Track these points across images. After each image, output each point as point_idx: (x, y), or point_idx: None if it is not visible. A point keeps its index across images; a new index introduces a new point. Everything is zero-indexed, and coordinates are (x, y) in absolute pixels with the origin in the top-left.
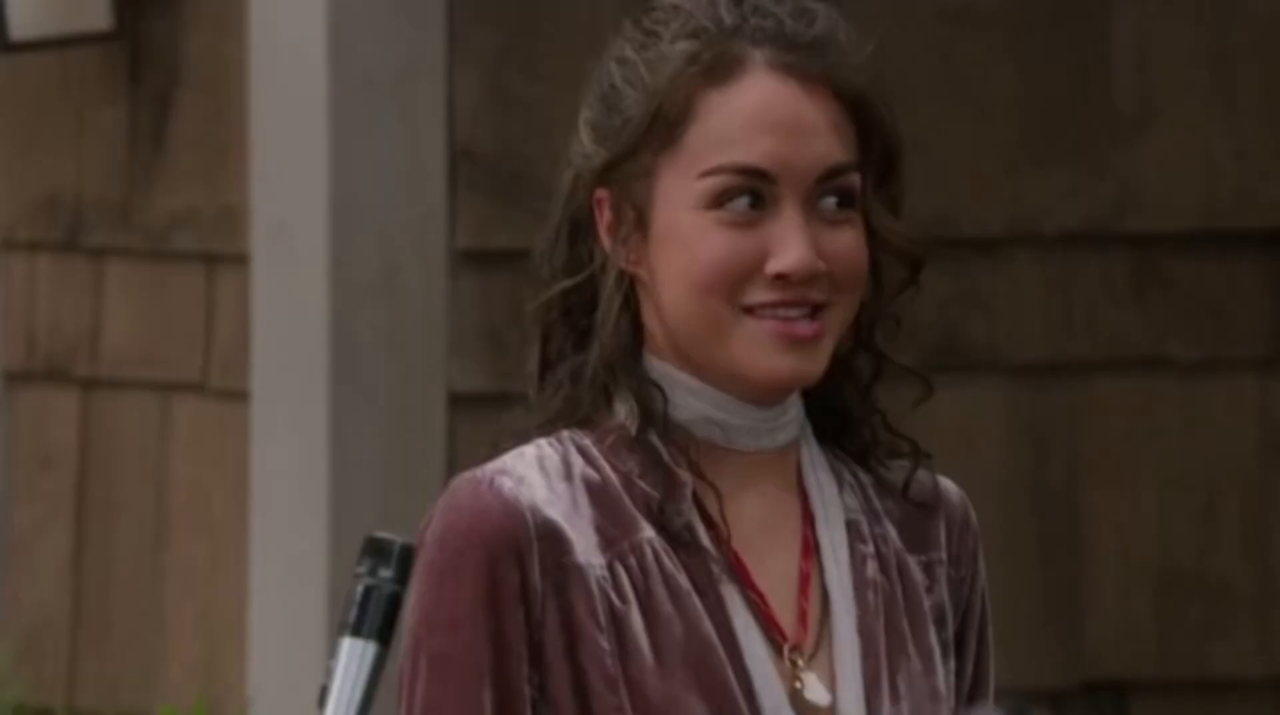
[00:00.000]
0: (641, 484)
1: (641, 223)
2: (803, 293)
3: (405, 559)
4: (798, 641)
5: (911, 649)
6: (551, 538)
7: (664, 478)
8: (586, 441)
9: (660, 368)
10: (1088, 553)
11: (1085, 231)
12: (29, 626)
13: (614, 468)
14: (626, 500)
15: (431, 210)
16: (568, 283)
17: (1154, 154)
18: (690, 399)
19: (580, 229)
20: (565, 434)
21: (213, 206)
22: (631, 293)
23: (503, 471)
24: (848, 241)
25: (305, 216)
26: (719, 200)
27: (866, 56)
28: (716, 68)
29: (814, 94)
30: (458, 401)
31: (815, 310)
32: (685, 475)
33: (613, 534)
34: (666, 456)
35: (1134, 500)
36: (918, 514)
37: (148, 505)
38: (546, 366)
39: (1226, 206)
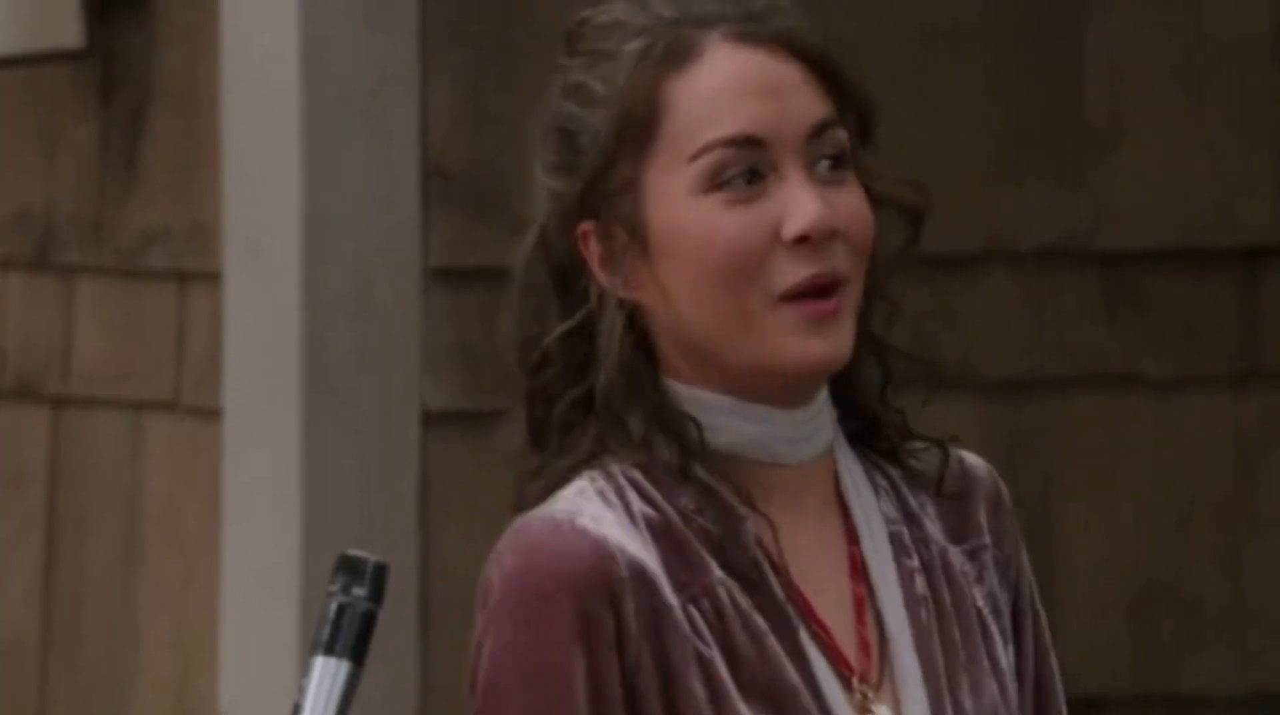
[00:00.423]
0: (700, 520)
1: (637, 238)
2: (827, 261)
3: (379, 577)
4: (864, 673)
5: (968, 658)
6: (642, 578)
7: (722, 514)
8: (636, 474)
9: (685, 392)
10: (1061, 569)
11: (1059, 248)
12: (0, 643)
13: (669, 502)
14: (691, 539)
15: (405, 226)
16: (564, 327)
17: (1128, 171)
18: (723, 419)
19: (568, 278)
20: (615, 468)
21: (185, 223)
22: (637, 320)
23: (577, 511)
24: (852, 199)
25: (278, 233)
26: (716, 179)
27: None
28: (674, 54)
29: (778, 56)
30: (430, 418)
31: (836, 286)
32: (743, 510)
33: (683, 576)
34: (718, 488)
35: (1107, 517)
36: (954, 501)
37: (120, 522)
38: (545, 429)
39: (1200, 223)
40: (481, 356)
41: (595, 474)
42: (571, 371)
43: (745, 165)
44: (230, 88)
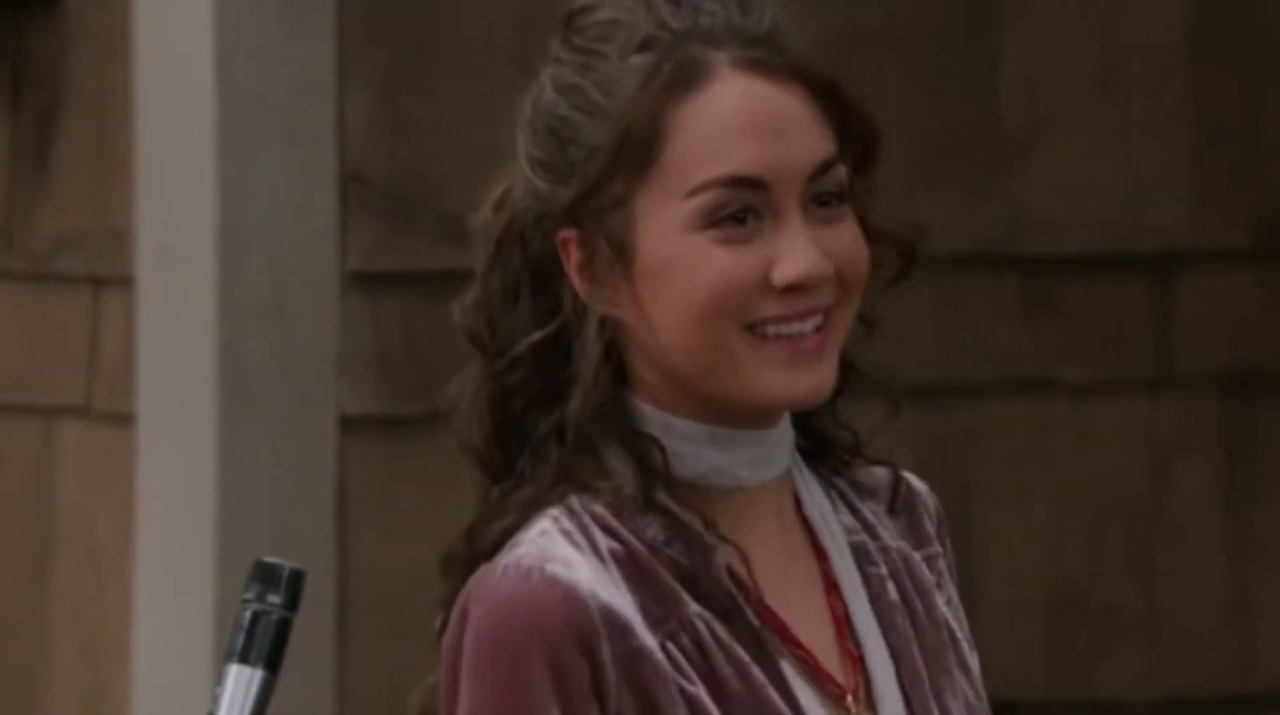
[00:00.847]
0: (669, 551)
1: (621, 257)
2: (812, 301)
3: (294, 584)
4: (851, 688)
5: (943, 664)
6: (615, 622)
7: (691, 544)
8: (599, 508)
9: (653, 415)
10: (978, 574)
11: (976, 253)
12: None
13: (635, 536)
14: (661, 572)
15: (322, 231)
16: (538, 335)
17: (1043, 177)
18: (691, 447)
19: (543, 277)
20: (575, 502)
21: (98, 228)
22: (612, 335)
23: (545, 557)
24: (847, 237)
25: (193, 238)
26: (712, 218)
27: (811, 38)
28: (681, 77)
29: (786, 88)
30: (348, 424)
31: (823, 316)
32: (711, 538)
33: (658, 612)
34: (685, 518)
35: (1024, 522)
36: (904, 513)
37: (31, 529)
38: (509, 430)
39: (1116, 229)
40: (399, 362)
41: (558, 512)
42: (540, 378)
43: (742, 205)
44: (144, 91)
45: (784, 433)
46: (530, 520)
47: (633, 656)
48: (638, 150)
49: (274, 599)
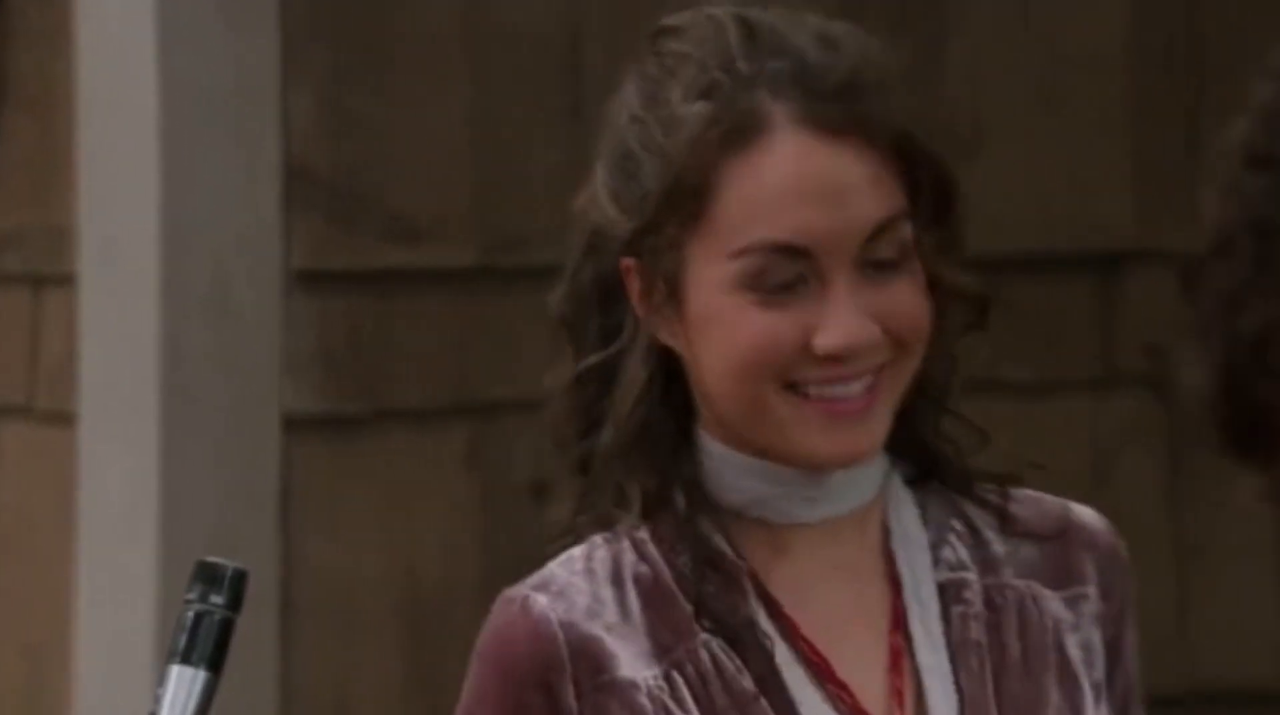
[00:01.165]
0: (693, 580)
1: (674, 297)
2: (857, 366)
3: (237, 584)
4: None
5: (1034, 707)
6: (587, 655)
7: (720, 571)
8: (643, 533)
9: (711, 446)
10: None
11: None
12: None
13: (668, 562)
14: (680, 599)
15: (265, 229)
16: (594, 359)
17: (988, 176)
18: (742, 480)
19: (610, 294)
20: (623, 526)
21: (39, 226)
22: (678, 365)
23: (542, 585)
24: (904, 296)
25: (135, 236)
26: (755, 282)
27: (900, 80)
28: (736, 132)
29: (848, 145)
30: (291, 423)
31: (873, 376)
32: (741, 564)
33: (668, 640)
34: (720, 545)
35: None
36: (1054, 546)
37: None
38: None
39: (1059, 230)
40: (343, 361)
41: (604, 537)
42: (595, 402)
43: (786, 274)
44: (86, 88)
45: (854, 473)
46: (583, 541)
47: (603, 689)
48: (689, 199)
49: (217, 599)
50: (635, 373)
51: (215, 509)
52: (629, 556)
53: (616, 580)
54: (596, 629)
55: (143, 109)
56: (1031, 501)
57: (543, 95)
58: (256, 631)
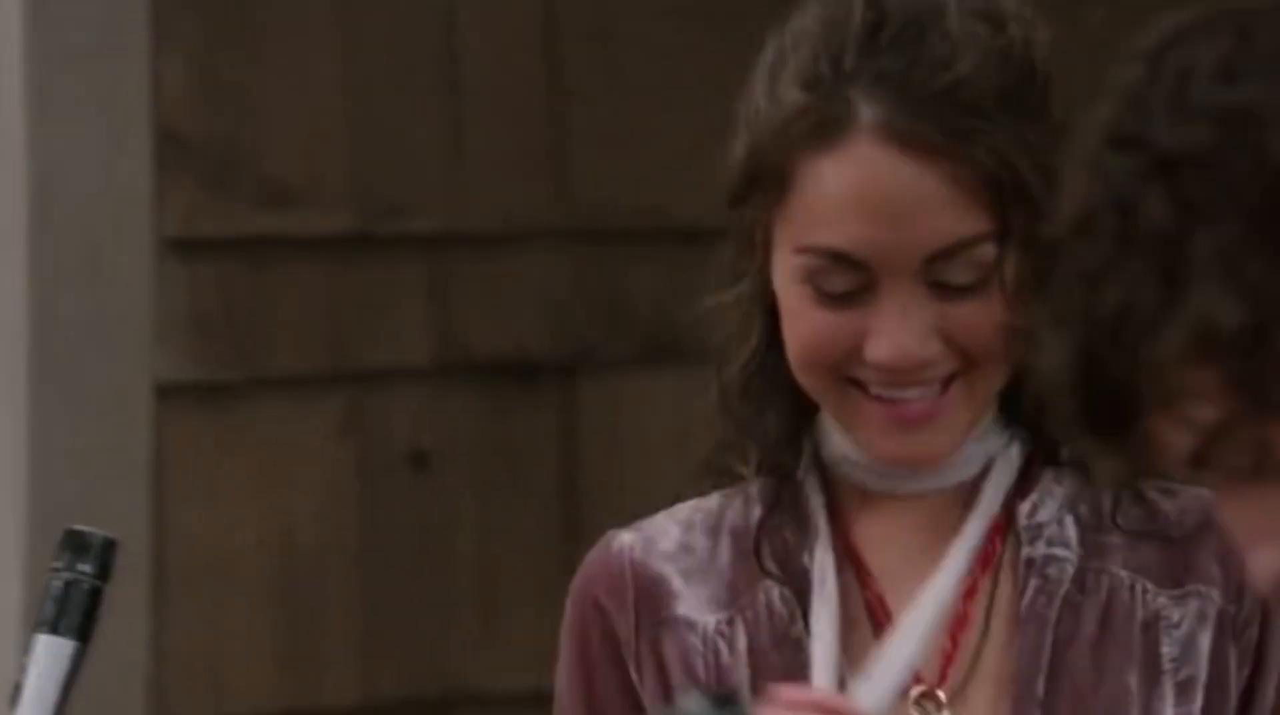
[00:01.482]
0: (777, 528)
1: (767, 268)
2: (911, 377)
3: (106, 552)
4: (933, 685)
5: (1091, 692)
6: (651, 593)
7: (803, 525)
8: (753, 489)
9: (823, 412)
10: None
11: None
12: None
13: (764, 509)
14: (763, 550)
15: (136, 195)
16: (729, 293)
17: None
18: (844, 448)
19: (745, 236)
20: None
21: None
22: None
23: (636, 527)
24: (974, 315)
25: (1, 202)
26: (813, 279)
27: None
28: (820, 129)
29: (930, 161)
30: (163, 391)
31: (943, 383)
32: (821, 520)
33: (742, 586)
34: (814, 502)
35: None
36: (1179, 544)
37: None
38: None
39: None
40: (217, 328)
41: (725, 492)
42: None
43: (846, 279)
44: None
45: (954, 455)
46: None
47: (661, 625)
48: (771, 182)
49: (85, 568)
50: (748, 314)
51: (85, 477)
52: (734, 511)
53: (713, 531)
54: (668, 570)
55: (8, 74)
56: (1187, 499)
57: (417, 62)
58: (128, 601)
